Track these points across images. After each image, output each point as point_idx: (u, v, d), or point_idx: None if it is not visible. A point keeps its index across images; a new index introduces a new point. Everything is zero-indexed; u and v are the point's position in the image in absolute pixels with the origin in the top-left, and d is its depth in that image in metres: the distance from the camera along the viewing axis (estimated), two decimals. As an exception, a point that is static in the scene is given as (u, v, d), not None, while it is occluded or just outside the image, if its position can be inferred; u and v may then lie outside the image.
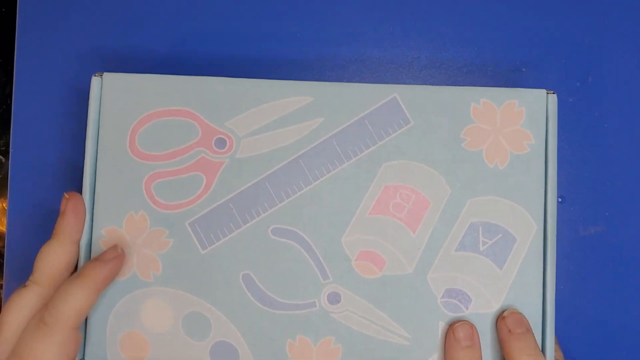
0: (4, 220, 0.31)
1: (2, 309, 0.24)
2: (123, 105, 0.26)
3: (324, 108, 0.26)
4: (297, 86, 0.26)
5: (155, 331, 0.25)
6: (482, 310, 0.25)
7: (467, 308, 0.25)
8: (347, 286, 0.26)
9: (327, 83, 0.26)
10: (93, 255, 0.26)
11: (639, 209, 0.31)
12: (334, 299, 0.26)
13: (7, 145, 0.31)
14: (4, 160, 0.31)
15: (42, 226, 0.31)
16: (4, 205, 0.31)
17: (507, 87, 0.30)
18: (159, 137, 0.26)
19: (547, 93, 0.26)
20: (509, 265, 0.26)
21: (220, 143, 0.26)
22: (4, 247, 0.31)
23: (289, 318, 0.25)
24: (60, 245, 0.25)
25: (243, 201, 0.26)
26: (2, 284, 0.31)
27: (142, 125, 0.26)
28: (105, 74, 0.26)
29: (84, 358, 0.25)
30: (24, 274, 0.30)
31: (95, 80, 0.26)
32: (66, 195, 0.25)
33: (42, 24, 0.32)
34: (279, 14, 0.31)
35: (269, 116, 0.26)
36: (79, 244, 0.25)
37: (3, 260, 0.31)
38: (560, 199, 0.30)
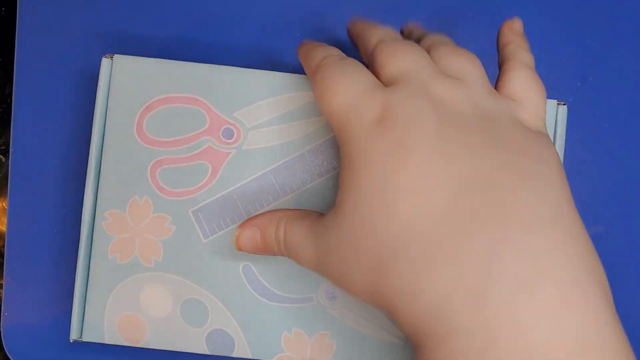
0: (4, 220, 0.31)
1: None
2: (132, 88, 0.26)
3: (334, 105, 0.26)
4: (308, 80, 0.26)
5: (154, 315, 0.26)
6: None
7: None
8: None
9: (339, 79, 0.26)
10: (95, 238, 0.26)
11: (639, 209, 0.30)
12: (331, 295, 0.26)
13: (7, 144, 0.31)
14: (4, 159, 0.31)
15: (42, 226, 0.31)
16: (4, 204, 0.31)
17: None
18: (167, 124, 0.26)
19: (558, 104, 0.26)
20: None
21: (228, 133, 0.26)
22: (3, 246, 0.31)
23: (286, 311, 0.26)
24: None
25: (247, 193, 0.26)
26: (2, 284, 0.31)
27: (151, 111, 0.26)
28: (116, 56, 0.26)
29: (81, 337, 0.26)
30: (24, 273, 0.30)
31: (105, 62, 0.26)
32: None
33: (42, 23, 0.31)
34: (280, 12, 0.31)
35: (278, 109, 0.26)
36: None
37: (3, 259, 0.31)
38: None
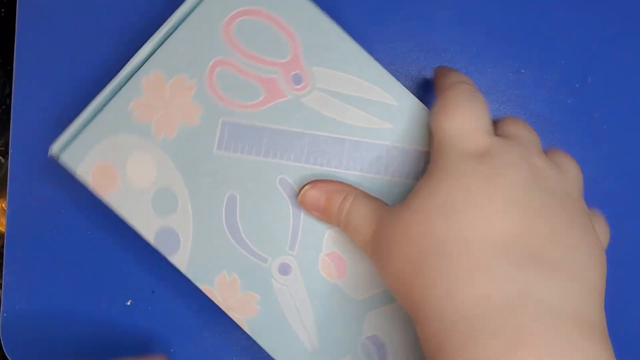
0: (3, 221, 0.31)
1: None
2: None
3: (400, 120, 0.26)
4: (393, 85, 0.26)
5: (130, 181, 0.26)
6: (387, 372, 0.26)
7: None
8: (302, 270, 0.26)
9: (419, 103, 0.26)
10: (128, 86, 0.26)
11: (638, 210, 0.30)
12: (284, 270, 0.26)
13: (6, 145, 0.31)
14: (3, 160, 0.31)
15: (41, 226, 0.31)
16: (3, 205, 0.31)
17: (508, 88, 0.30)
18: (254, 35, 0.26)
19: None
20: None
21: (297, 79, 0.26)
22: (2, 247, 0.31)
23: (239, 256, 0.26)
24: None
25: (277, 138, 0.26)
26: (1, 284, 0.31)
27: (247, 15, 0.26)
28: None
29: (60, 155, 0.26)
30: (23, 274, 0.31)
31: None
32: None
33: (42, 24, 0.31)
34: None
35: (354, 90, 0.26)
36: None
37: (2, 261, 0.31)
38: None
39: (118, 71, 0.26)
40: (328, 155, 0.26)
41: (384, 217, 0.22)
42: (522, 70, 0.30)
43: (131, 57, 0.26)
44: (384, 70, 0.26)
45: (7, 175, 0.31)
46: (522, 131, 0.23)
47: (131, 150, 0.26)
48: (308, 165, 0.26)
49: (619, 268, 0.30)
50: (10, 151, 0.31)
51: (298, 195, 0.25)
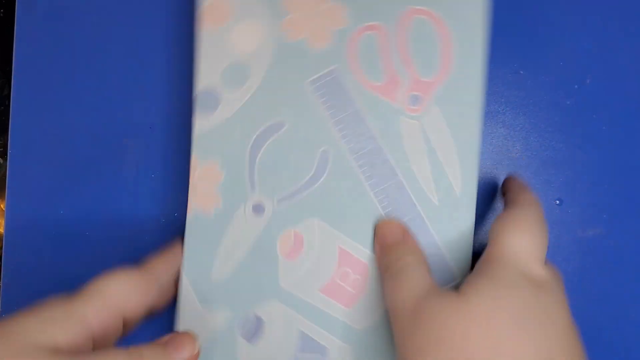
0: (2, 222, 0.31)
1: None
2: None
3: (447, 206, 0.26)
4: (471, 181, 0.26)
5: (231, 33, 0.26)
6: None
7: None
8: (268, 225, 0.26)
9: (472, 213, 0.26)
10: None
11: (637, 210, 0.30)
12: (257, 209, 0.26)
13: (5, 146, 0.31)
14: (2, 161, 0.31)
15: (40, 228, 0.31)
16: (2, 206, 0.31)
17: (507, 89, 0.30)
18: (422, 40, 0.26)
19: None
20: None
21: (415, 101, 0.26)
22: (1, 248, 0.31)
23: (239, 166, 0.26)
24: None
25: (354, 122, 0.26)
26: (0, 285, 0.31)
27: (430, 19, 0.26)
28: None
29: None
30: (22, 276, 0.31)
31: None
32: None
33: (41, 26, 0.31)
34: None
35: (441, 151, 0.26)
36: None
37: (0, 262, 0.31)
38: (558, 201, 0.30)
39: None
40: (372, 171, 0.26)
41: (438, 296, 0.22)
42: (521, 71, 0.30)
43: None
44: (476, 164, 0.26)
45: (5, 177, 0.31)
46: (556, 272, 0.24)
47: (256, 18, 0.26)
48: (353, 163, 0.26)
49: (619, 268, 0.30)
50: (9, 152, 0.31)
51: (385, 218, 0.26)
